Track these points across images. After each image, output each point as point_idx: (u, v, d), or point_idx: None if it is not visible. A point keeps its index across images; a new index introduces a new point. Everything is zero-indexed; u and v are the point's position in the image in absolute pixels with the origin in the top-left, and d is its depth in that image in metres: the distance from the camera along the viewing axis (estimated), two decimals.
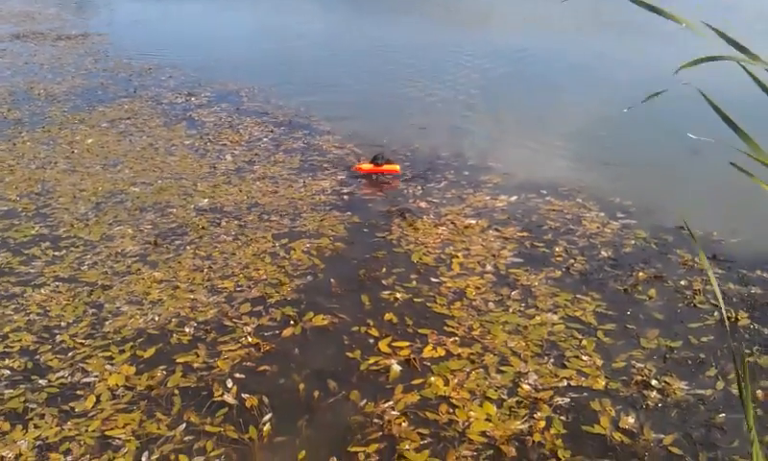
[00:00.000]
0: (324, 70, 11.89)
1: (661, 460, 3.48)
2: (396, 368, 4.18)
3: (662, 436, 3.61)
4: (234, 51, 13.60)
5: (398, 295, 4.93)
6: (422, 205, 6.42)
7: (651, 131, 8.04)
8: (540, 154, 7.66)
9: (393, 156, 7.65)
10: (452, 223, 5.99)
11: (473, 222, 5.99)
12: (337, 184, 6.93)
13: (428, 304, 4.82)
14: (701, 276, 5.06)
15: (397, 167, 7.16)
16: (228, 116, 9.16)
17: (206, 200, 6.60)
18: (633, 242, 5.59)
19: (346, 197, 6.64)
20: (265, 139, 8.27)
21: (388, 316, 4.70)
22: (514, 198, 6.48)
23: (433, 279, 5.13)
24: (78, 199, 6.71)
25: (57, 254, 5.67)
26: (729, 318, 4.57)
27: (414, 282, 5.10)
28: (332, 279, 5.18)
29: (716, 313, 4.62)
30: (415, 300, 4.88)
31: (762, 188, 1.58)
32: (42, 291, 5.13)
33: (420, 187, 6.83)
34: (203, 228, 6.03)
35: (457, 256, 5.41)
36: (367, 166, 7.14)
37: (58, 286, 5.19)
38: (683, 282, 4.99)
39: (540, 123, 8.75)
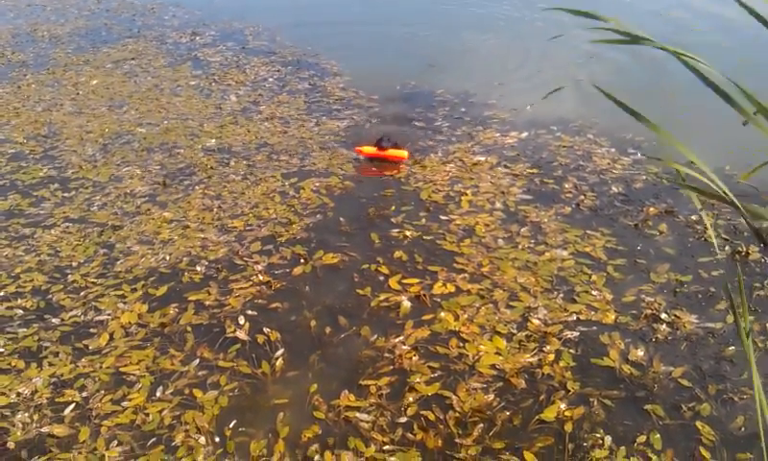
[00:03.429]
0: (333, 6, 11.62)
1: (671, 392, 3.51)
2: (407, 304, 4.20)
3: (672, 368, 3.64)
4: None
5: (408, 233, 4.93)
6: (430, 143, 6.36)
7: (663, 64, 7.90)
8: (552, 89, 7.53)
9: (399, 94, 7.56)
10: (461, 160, 5.95)
11: (482, 159, 5.94)
12: (345, 125, 6.86)
13: (438, 242, 4.82)
14: (712, 210, 5.03)
15: (405, 153, 6.04)
16: (233, 56, 9.03)
17: (214, 140, 6.56)
18: (644, 177, 5.54)
19: (353, 136, 6.57)
20: (270, 79, 8.16)
21: (398, 253, 4.70)
22: (524, 134, 6.41)
23: (442, 217, 5.11)
24: (85, 140, 6.69)
25: (66, 195, 5.68)
26: (740, 252, 4.55)
27: (423, 220, 5.09)
28: (341, 218, 5.17)
29: (727, 247, 4.61)
30: (424, 237, 4.88)
31: None
32: (53, 232, 5.15)
33: (427, 125, 6.75)
34: (211, 168, 6.01)
35: (466, 194, 5.38)
36: (369, 149, 6.07)
37: (68, 227, 5.21)
38: (693, 217, 4.96)
39: (553, 58, 8.59)
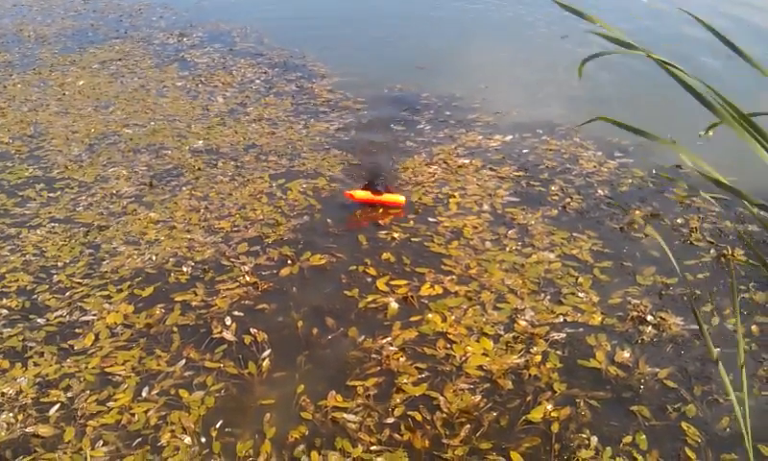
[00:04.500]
0: (321, 9, 11.59)
1: (656, 393, 3.53)
2: (394, 305, 4.21)
3: (657, 370, 3.66)
4: None
5: (395, 234, 4.93)
6: (414, 144, 6.36)
7: (647, 67, 7.94)
8: (539, 93, 7.56)
9: (386, 97, 7.56)
10: (445, 162, 5.95)
11: (467, 161, 5.95)
12: (333, 127, 6.85)
13: (425, 244, 4.83)
14: (697, 214, 5.06)
15: (402, 198, 5.33)
16: (220, 57, 9.00)
17: (201, 141, 6.53)
18: (630, 181, 5.57)
19: (341, 138, 6.57)
20: (258, 81, 8.15)
21: (385, 255, 4.71)
22: (509, 137, 6.42)
23: (430, 219, 5.12)
24: (71, 141, 6.65)
25: (51, 195, 5.64)
26: (725, 255, 4.59)
27: (411, 222, 5.09)
28: (329, 219, 5.17)
29: (712, 250, 4.64)
30: (412, 239, 4.89)
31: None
32: (38, 232, 5.12)
33: (412, 127, 6.75)
34: (198, 169, 5.99)
35: (454, 196, 5.39)
36: (362, 194, 5.35)
37: (53, 227, 5.18)
38: (679, 220, 5.00)
39: (540, 62, 8.62)
